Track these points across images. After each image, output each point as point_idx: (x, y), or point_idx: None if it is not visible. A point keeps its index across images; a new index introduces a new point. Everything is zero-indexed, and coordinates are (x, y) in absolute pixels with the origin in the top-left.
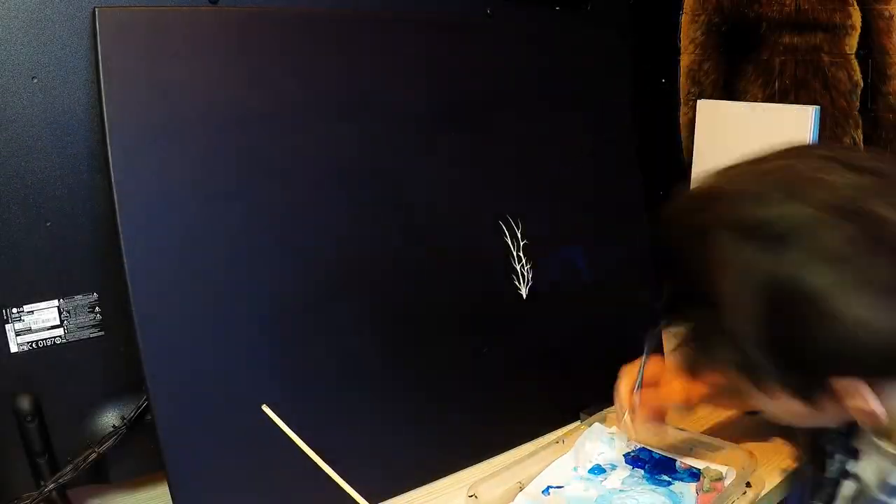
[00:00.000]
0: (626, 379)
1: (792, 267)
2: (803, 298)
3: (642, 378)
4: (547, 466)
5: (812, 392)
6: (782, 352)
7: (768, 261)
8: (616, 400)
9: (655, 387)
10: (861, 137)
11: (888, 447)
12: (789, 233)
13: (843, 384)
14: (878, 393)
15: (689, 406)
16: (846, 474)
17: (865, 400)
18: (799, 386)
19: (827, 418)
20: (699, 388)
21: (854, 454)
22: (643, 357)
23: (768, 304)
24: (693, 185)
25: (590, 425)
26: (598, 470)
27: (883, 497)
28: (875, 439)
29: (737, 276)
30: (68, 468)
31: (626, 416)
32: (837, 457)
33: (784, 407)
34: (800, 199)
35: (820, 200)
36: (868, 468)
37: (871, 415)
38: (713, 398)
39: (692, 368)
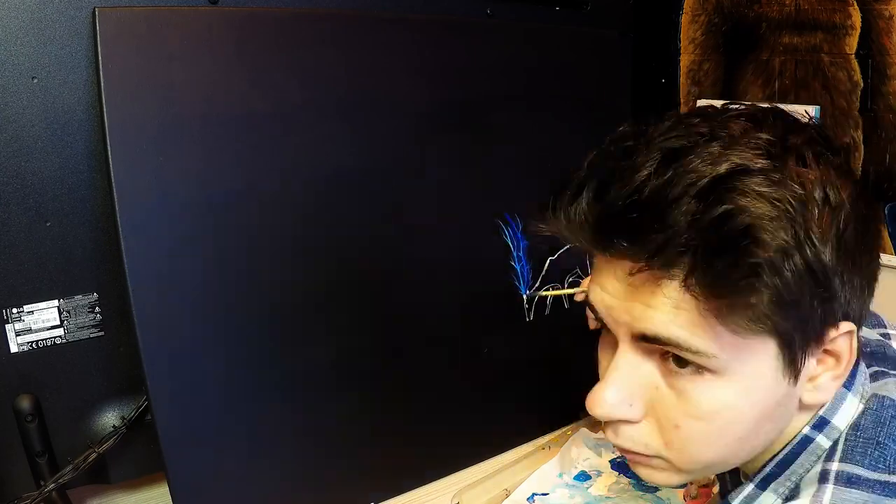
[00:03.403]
0: None
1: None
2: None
3: None
4: (532, 473)
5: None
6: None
7: None
8: None
9: None
10: (861, 137)
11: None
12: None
13: (848, 326)
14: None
15: None
16: None
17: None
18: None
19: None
20: None
21: None
22: None
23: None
24: None
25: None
26: (583, 476)
27: None
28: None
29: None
30: (68, 468)
31: None
32: None
33: (745, 395)
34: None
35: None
36: None
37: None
38: None
39: None
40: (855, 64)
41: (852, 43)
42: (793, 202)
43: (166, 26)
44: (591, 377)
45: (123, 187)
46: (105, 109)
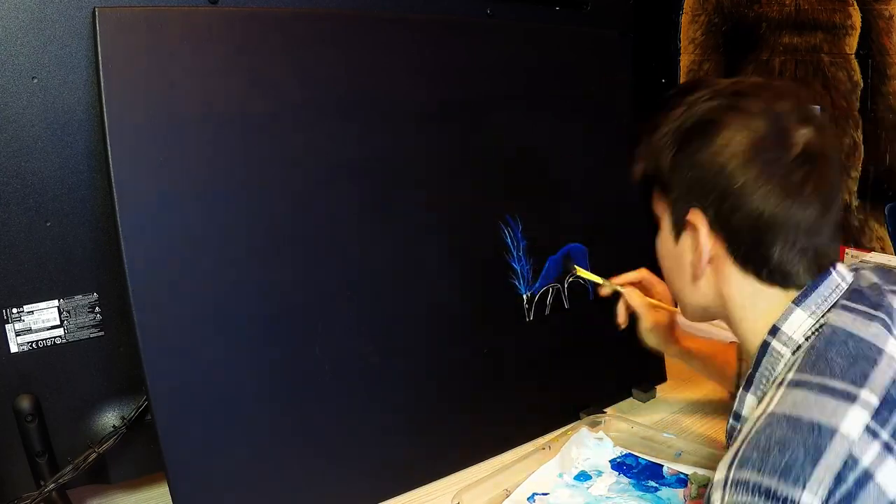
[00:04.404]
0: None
1: (720, 115)
2: (713, 132)
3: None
4: (532, 473)
5: (678, 217)
6: (680, 162)
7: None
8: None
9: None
10: (861, 137)
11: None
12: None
13: (695, 214)
14: (723, 269)
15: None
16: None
17: (701, 237)
18: (674, 207)
19: (685, 265)
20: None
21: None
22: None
23: (692, 124)
24: None
25: (592, 426)
26: (583, 476)
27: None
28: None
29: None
30: (68, 468)
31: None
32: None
33: (665, 245)
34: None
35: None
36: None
37: (699, 257)
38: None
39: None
40: (855, 64)
41: (852, 43)
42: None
43: (166, 26)
44: (592, 377)
45: (123, 187)
46: (105, 109)
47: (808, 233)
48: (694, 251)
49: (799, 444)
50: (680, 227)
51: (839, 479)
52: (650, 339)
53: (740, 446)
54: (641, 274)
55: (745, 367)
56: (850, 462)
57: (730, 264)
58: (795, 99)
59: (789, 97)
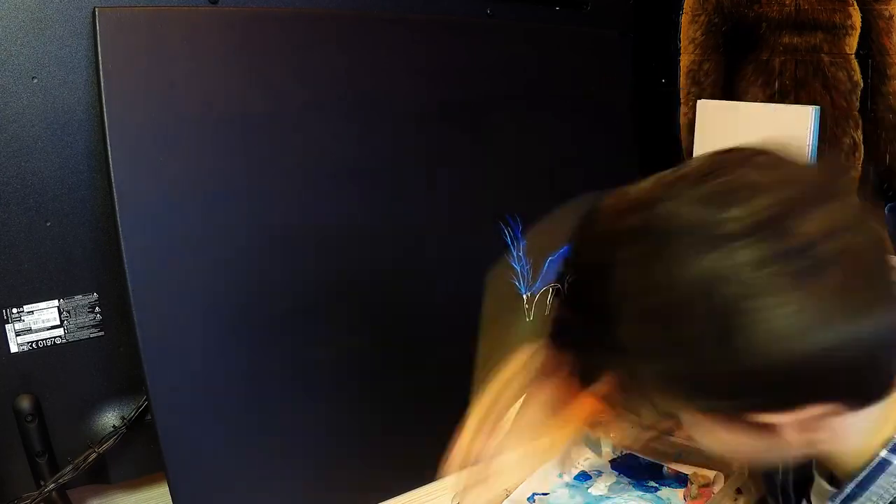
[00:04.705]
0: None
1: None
2: (743, 326)
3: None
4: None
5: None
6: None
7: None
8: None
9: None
10: (861, 138)
11: (824, 484)
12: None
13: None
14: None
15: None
16: None
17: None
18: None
19: (780, 450)
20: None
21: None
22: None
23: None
24: None
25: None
26: (583, 476)
27: None
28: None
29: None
30: (68, 468)
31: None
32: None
33: (723, 438)
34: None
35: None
36: None
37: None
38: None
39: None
40: (855, 64)
41: (852, 43)
42: None
43: (166, 26)
44: None
45: (123, 187)
46: (105, 109)
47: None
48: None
49: None
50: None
51: None
52: None
53: None
54: None
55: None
56: None
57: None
58: (800, 186)
59: (796, 186)
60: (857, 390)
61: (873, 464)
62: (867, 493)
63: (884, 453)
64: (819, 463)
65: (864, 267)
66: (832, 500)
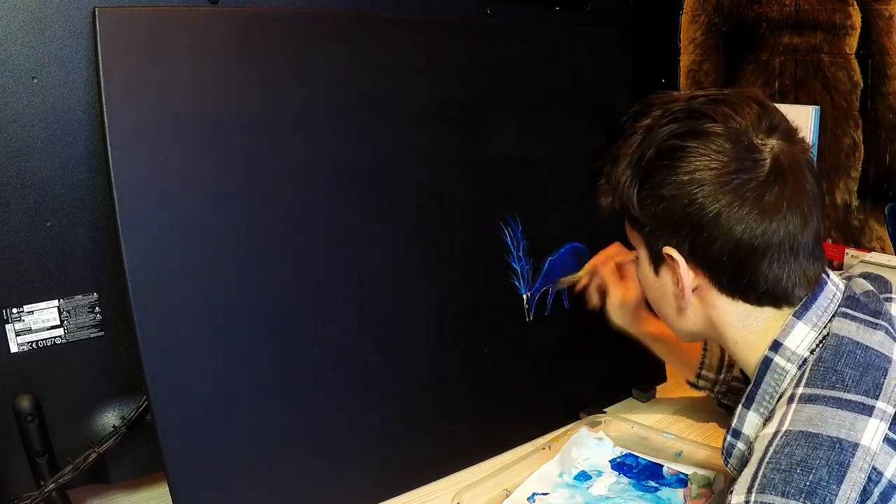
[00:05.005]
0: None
1: (680, 142)
2: (676, 161)
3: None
4: (532, 473)
5: (654, 252)
6: (647, 197)
7: (668, 130)
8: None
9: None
10: (861, 137)
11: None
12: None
13: (670, 248)
14: (709, 298)
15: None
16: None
17: (681, 271)
18: (648, 241)
19: (669, 296)
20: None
21: None
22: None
23: (653, 155)
24: None
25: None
26: (583, 476)
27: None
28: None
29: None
30: (68, 468)
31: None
32: None
33: (646, 277)
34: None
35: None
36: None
37: (682, 290)
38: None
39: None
40: (855, 64)
41: (852, 43)
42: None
43: (166, 26)
44: (592, 377)
45: (123, 187)
46: (105, 109)
47: (792, 248)
48: (676, 284)
49: (821, 462)
50: (658, 261)
51: (865, 493)
52: (617, 316)
53: (758, 468)
54: (612, 250)
55: (726, 375)
56: (874, 476)
57: (715, 293)
58: (755, 107)
59: (748, 107)
60: (726, 273)
61: (761, 363)
62: (761, 392)
63: (767, 353)
64: (742, 371)
65: (795, 176)
66: (743, 400)
